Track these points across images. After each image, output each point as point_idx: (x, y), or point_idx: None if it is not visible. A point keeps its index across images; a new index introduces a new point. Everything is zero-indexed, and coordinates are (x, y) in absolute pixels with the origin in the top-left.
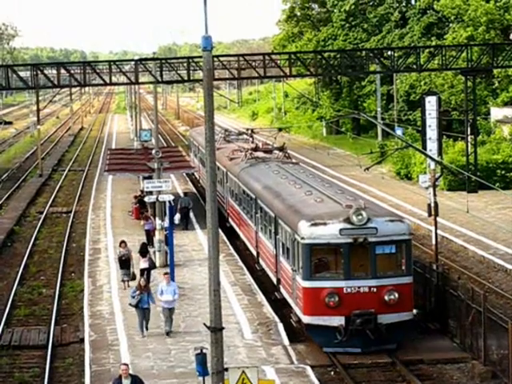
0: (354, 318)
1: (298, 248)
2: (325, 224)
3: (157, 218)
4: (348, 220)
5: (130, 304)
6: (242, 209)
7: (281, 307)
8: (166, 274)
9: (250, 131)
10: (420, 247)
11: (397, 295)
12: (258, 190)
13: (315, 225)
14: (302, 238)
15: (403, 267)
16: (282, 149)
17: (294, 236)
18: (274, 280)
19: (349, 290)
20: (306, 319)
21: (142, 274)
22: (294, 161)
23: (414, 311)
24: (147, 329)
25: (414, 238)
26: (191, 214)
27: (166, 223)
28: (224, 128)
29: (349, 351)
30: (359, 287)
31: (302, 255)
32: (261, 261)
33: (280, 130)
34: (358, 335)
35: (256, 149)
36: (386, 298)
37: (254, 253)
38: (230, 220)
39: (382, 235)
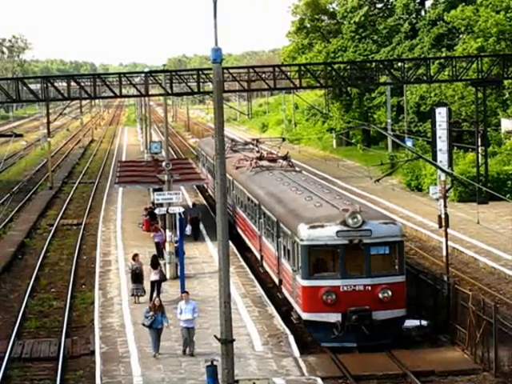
0: (350, 314)
1: (297, 249)
2: (322, 226)
3: (167, 230)
4: (344, 223)
5: (144, 324)
6: (247, 215)
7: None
8: (184, 292)
9: (255, 141)
10: (430, 258)
11: (390, 293)
12: (262, 196)
13: (313, 227)
14: (301, 240)
15: (396, 267)
16: (285, 158)
17: (293, 238)
18: (277, 281)
19: (345, 288)
20: (305, 316)
21: (152, 287)
22: (297, 169)
23: (424, 322)
24: (158, 349)
25: (424, 249)
26: (201, 225)
27: (177, 236)
28: (231, 138)
29: (345, 346)
30: (355, 286)
31: (301, 256)
32: (264, 264)
33: (283, 139)
34: (353, 331)
35: (261, 158)
36: (380, 295)
37: (258, 256)
38: (236, 227)
39: (376, 237)
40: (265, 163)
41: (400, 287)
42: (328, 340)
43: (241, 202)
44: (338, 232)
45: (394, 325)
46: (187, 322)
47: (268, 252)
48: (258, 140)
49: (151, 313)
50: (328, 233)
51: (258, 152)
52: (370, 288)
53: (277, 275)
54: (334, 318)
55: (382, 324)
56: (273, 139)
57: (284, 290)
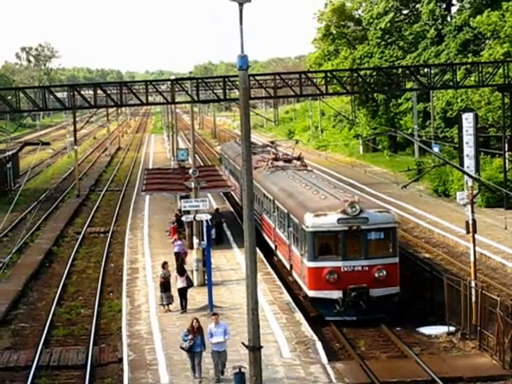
0: (349, 291)
1: (304, 235)
2: (325, 215)
3: (194, 237)
4: (344, 211)
5: (182, 348)
6: (263, 210)
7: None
8: (214, 314)
9: (272, 143)
10: (458, 264)
11: (385, 273)
12: (276, 192)
13: (317, 216)
14: (307, 227)
15: (390, 250)
16: (299, 158)
17: (301, 226)
18: (288, 266)
19: (345, 268)
20: (310, 293)
21: (180, 294)
22: (308, 168)
23: (453, 328)
24: (200, 373)
25: (451, 254)
26: (225, 227)
27: (204, 244)
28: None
29: (346, 319)
30: (354, 266)
31: (308, 241)
32: (278, 252)
33: (297, 141)
34: (353, 306)
35: (276, 159)
36: (376, 275)
37: (273, 246)
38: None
39: (372, 223)
40: (280, 163)
41: (394, 267)
42: (331, 314)
43: (258, 199)
44: (338, 220)
45: (389, 301)
46: (218, 346)
47: (281, 241)
48: (273, 142)
49: (190, 336)
50: (330, 220)
51: (274, 153)
52: (367, 268)
53: (288, 261)
54: (336, 294)
55: (378, 300)
56: (287, 142)
57: (294, 273)
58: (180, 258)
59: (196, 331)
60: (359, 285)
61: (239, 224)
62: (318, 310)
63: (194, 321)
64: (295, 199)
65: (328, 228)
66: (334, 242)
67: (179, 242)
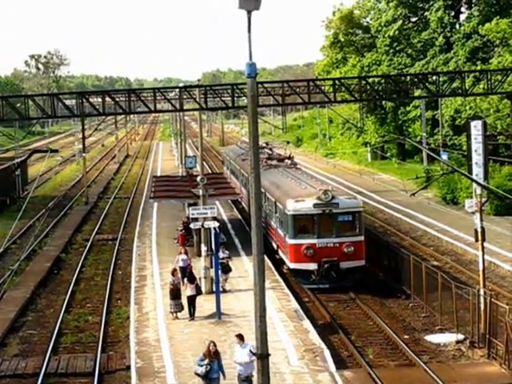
0: (323, 264)
1: (286, 218)
2: (303, 201)
3: (202, 245)
4: (319, 198)
5: (197, 374)
6: None
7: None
8: (238, 335)
9: (267, 145)
10: (467, 272)
11: (352, 248)
12: (267, 186)
13: (297, 201)
14: (289, 211)
15: (357, 230)
16: (289, 157)
17: (284, 211)
18: (275, 246)
19: (320, 245)
20: (292, 265)
21: (189, 302)
22: (297, 166)
23: (461, 337)
24: None
25: (460, 262)
26: (233, 234)
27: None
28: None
29: (320, 287)
30: (327, 243)
31: (289, 222)
32: (268, 236)
33: (288, 142)
34: (326, 276)
35: (270, 158)
36: (345, 250)
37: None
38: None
39: (342, 208)
40: (273, 162)
41: (360, 244)
42: (308, 283)
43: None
44: (314, 204)
45: (356, 272)
46: (245, 368)
47: (270, 227)
48: (268, 143)
49: (206, 360)
50: (307, 205)
51: (268, 154)
52: (337, 245)
53: (275, 242)
54: (312, 266)
55: (346, 271)
56: (280, 143)
57: (279, 251)
58: (186, 271)
59: (213, 355)
60: (331, 258)
61: (247, 232)
62: (297, 279)
63: (211, 344)
64: (281, 190)
65: (305, 211)
66: (311, 222)
67: (184, 257)
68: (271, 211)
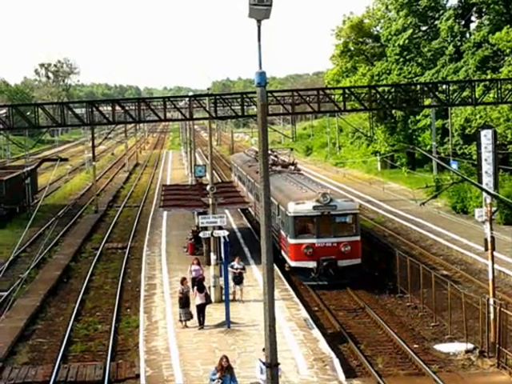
0: (322, 262)
1: (287, 219)
2: (304, 203)
3: (211, 253)
4: (318, 200)
5: None
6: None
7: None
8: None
9: (272, 152)
10: (476, 281)
11: (349, 248)
12: (271, 190)
13: (298, 204)
14: (290, 213)
15: (354, 230)
16: (293, 164)
17: (286, 212)
18: (278, 247)
19: (319, 244)
20: (292, 264)
21: (198, 310)
22: (300, 172)
23: (471, 346)
24: None
25: (470, 272)
26: (242, 244)
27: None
28: (255, 151)
29: (319, 284)
30: (325, 243)
31: (290, 223)
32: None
33: (291, 149)
34: (324, 273)
35: (274, 164)
36: (343, 249)
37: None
38: (257, 216)
39: (340, 210)
40: (278, 168)
41: (356, 244)
42: (308, 280)
43: (256, 195)
44: (313, 207)
45: (352, 269)
46: None
47: (273, 227)
48: (272, 150)
49: (218, 374)
50: (307, 207)
51: (272, 160)
52: (335, 244)
53: (278, 244)
54: (312, 264)
55: (343, 269)
56: (283, 149)
57: (282, 252)
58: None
59: (225, 370)
60: (329, 257)
61: (257, 241)
62: (298, 276)
63: (224, 359)
64: (283, 193)
65: (305, 213)
66: (310, 223)
67: (197, 268)
68: (274, 213)
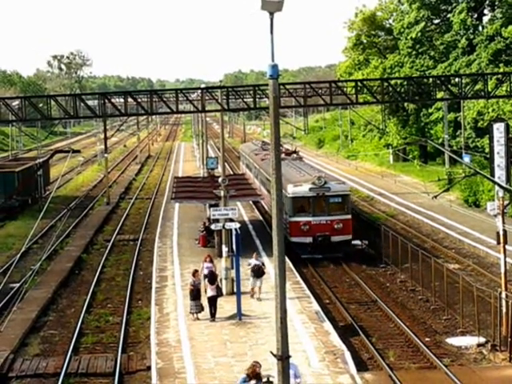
0: (317, 237)
1: (287, 200)
2: (301, 185)
3: (223, 246)
4: (314, 183)
5: None
6: (264, 186)
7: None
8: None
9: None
10: (489, 275)
11: (341, 225)
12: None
13: (296, 186)
14: (289, 194)
15: (345, 209)
16: (295, 152)
17: (285, 194)
18: None
19: (314, 222)
20: (292, 239)
21: (210, 303)
22: (302, 158)
23: (482, 339)
24: None
25: (482, 265)
26: (254, 236)
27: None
28: (262, 141)
29: (315, 257)
30: (320, 220)
31: (289, 203)
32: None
33: (294, 137)
34: (320, 248)
35: None
36: (335, 226)
37: (269, 209)
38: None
39: (333, 191)
40: (281, 155)
41: (347, 222)
42: (305, 253)
43: (261, 180)
44: (309, 188)
45: (344, 244)
46: None
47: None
48: None
49: (253, 382)
50: (304, 189)
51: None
52: (329, 222)
53: None
54: (308, 240)
55: (336, 243)
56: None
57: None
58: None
59: (256, 377)
60: (324, 233)
61: (268, 233)
62: (297, 250)
63: (258, 365)
64: (284, 177)
65: (302, 194)
66: (307, 203)
67: (209, 265)
68: None
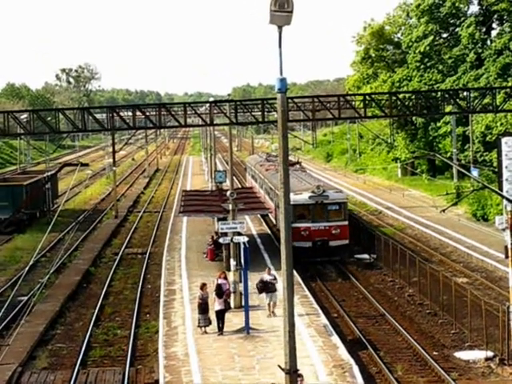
0: (316, 242)
1: None
2: (301, 193)
3: (231, 259)
4: (313, 191)
5: None
6: (268, 195)
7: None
8: (299, 377)
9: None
10: (497, 289)
11: (339, 230)
12: (275, 183)
13: (296, 194)
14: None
15: (342, 216)
16: (298, 163)
17: None
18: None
19: (314, 228)
20: (293, 244)
21: (218, 316)
22: (304, 169)
23: (491, 353)
24: None
25: (490, 279)
26: (262, 250)
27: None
28: (266, 153)
29: (315, 260)
30: (319, 226)
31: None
32: (276, 222)
33: (298, 149)
34: (319, 252)
35: None
36: (333, 232)
37: (274, 219)
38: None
39: (331, 199)
40: None
41: (344, 227)
42: (305, 257)
43: (265, 190)
44: (309, 196)
45: (342, 249)
46: None
47: (277, 214)
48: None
49: None
50: (304, 197)
51: None
52: (327, 228)
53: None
54: (308, 244)
55: (334, 248)
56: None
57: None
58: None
59: None
60: (322, 238)
61: (276, 246)
62: (298, 254)
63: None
64: None
65: (302, 202)
66: (307, 210)
67: (223, 281)
68: (277, 202)
